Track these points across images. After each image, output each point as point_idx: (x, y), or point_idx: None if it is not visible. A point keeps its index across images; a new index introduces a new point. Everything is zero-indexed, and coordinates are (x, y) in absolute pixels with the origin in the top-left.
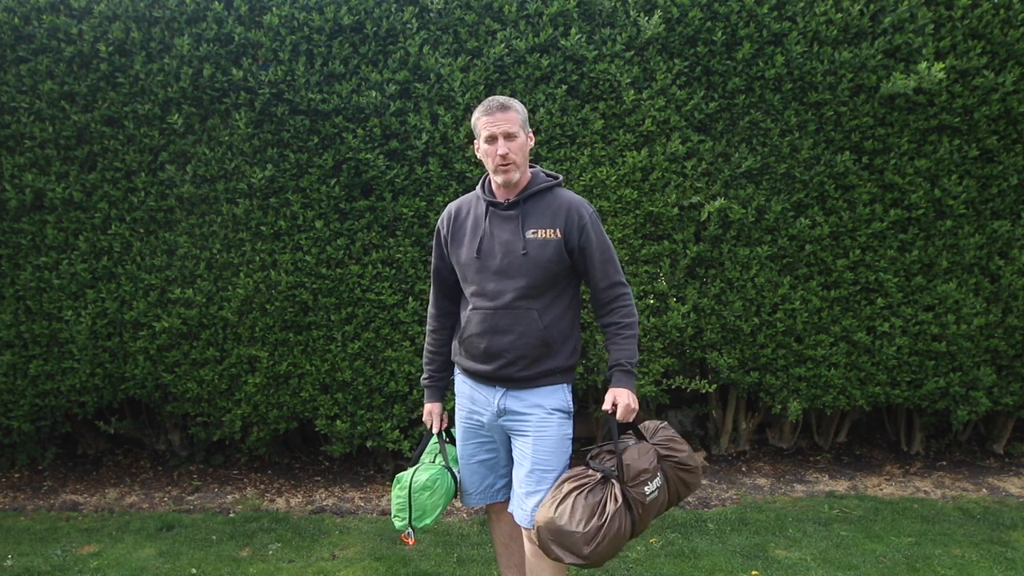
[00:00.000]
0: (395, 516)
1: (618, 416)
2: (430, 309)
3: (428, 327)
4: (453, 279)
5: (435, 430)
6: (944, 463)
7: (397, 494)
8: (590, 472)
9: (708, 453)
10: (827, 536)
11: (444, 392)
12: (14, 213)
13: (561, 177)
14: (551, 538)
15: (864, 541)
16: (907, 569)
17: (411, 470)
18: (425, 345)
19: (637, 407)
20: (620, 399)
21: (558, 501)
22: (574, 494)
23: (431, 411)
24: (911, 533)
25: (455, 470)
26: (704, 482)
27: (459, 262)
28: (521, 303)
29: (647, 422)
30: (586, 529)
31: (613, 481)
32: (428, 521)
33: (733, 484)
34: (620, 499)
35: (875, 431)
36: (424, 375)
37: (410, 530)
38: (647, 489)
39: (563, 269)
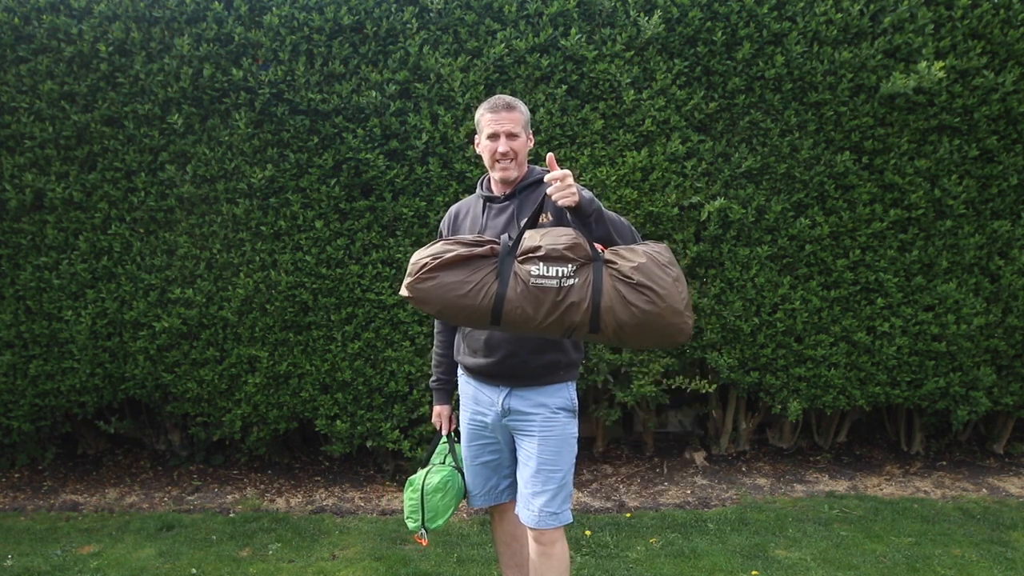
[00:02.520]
0: (408, 517)
1: (554, 174)
2: (438, 321)
3: (436, 328)
4: None
5: (444, 432)
6: (944, 463)
7: (410, 496)
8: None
9: (708, 453)
10: (827, 536)
11: (452, 394)
12: (14, 213)
13: None
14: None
15: (864, 541)
16: (907, 569)
17: (423, 472)
18: (433, 348)
19: (577, 195)
20: (568, 171)
21: (433, 242)
22: (443, 240)
23: (440, 413)
24: (911, 533)
25: (465, 471)
26: (704, 482)
27: None
28: None
29: None
30: (417, 259)
31: (494, 245)
32: (440, 522)
33: (733, 484)
34: (479, 254)
35: (875, 431)
36: (432, 377)
37: (423, 531)
38: (533, 269)
39: None
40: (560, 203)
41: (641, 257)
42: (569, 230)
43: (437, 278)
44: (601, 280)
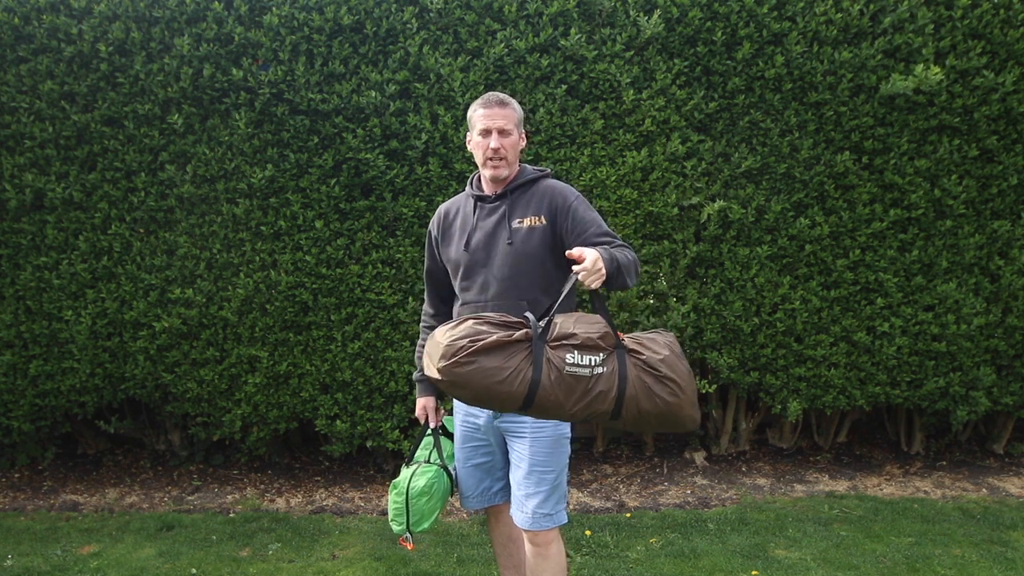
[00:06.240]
0: (393, 520)
1: (584, 265)
2: (426, 308)
3: (422, 325)
4: (445, 280)
5: (431, 425)
6: (944, 463)
7: (394, 499)
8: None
9: (708, 453)
10: (827, 536)
11: (438, 388)
12: (14, 213)
13: (550, 171)
14: (428, 348)
15: (864, 541)
16: (907, 569)
17: (407, 473)
18: (418, 343)
19: (604, 273)
20: (587, 252)
21: (454, 323)
22: (471, 319)
23: (425, 405)
24: (911, 533)
25: (451, 467)
26: (704, 482)
27: (450, 259)
28: (510, 294)
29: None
30: (452, 343)
31: (525, 329)
32: (426, 525)
33: (733, 484)
34: (518, 340)
35: (875, 431)
36: (418, 370)
37: (408, 534)
38: (569, 357)
39: (553, 257)
40: (591, 287)
41: (664, 349)
42: (599, 318)
43: (476, 362)
44: (626, 369)
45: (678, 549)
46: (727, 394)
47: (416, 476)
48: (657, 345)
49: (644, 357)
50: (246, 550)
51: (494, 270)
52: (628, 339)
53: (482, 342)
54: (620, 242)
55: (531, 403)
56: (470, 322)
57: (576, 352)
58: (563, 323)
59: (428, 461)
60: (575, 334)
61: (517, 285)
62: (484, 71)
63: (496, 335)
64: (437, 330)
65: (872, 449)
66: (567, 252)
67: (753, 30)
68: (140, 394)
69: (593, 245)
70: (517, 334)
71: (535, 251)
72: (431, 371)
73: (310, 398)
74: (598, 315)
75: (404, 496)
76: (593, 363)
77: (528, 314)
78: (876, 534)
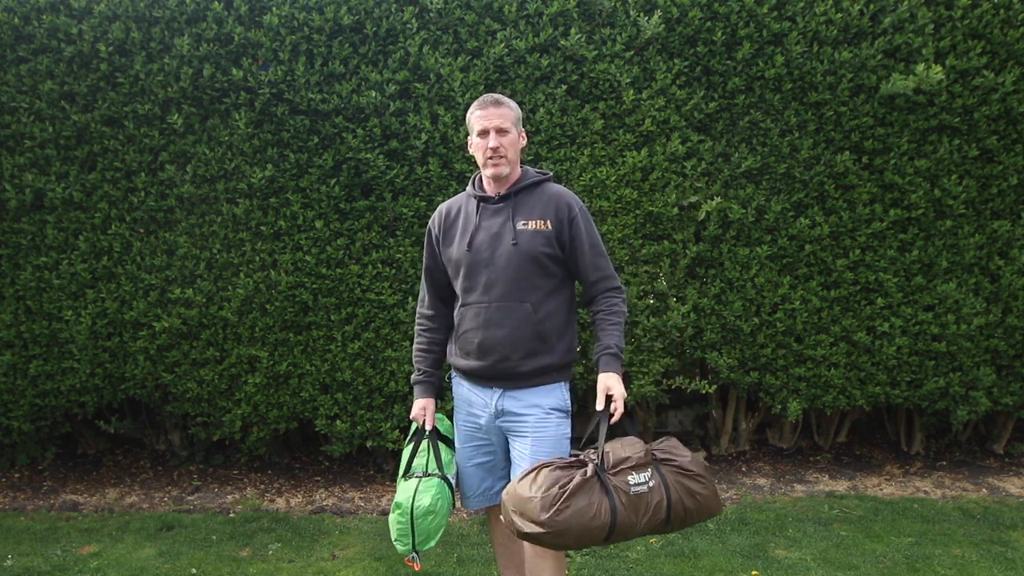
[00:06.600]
0: (397, 540)
1: (615, 404)
2: (423, 310)
3: (419, 327)
4: (445, 280)
5: (428, 427)
6: (944, 463)
7: (398, 519)
8: (568, 457)
9: (708, 453)
10: (827, 536)
11: (438, 390)
12: (14, 213)
13: (551, 174)
14: (511, 507)
15: (864, 541)
16: (907, 569)
17: (409, 490)
18: (415, 345)
19: (625, 394)
20: (614, 389)
21: (525, 474)
22: (544, 468)
23: (425, 407)
24: (911, 533)
25: (450, 476)
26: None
27: (451, 259)
28: (514, 296)
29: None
30: (544, 494)
31: (589, 463)
32: (432, 543)
33: (733, 484)
34: (592, 476)
35: (875, 431)
36: (416, 372)
37: (414, 555)
38: (631, 479)
39: (555, 263)
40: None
41: (686, 451)
42: (633, 439)
43: (571, 505)
44: (665, 477)
45: (678, 549)
46: (727, 394)
47: (420, 494)
48: (680, 448)
49: (678, 463)
50: (246, 550)
51: (498, 271)
52: (656, 449)
53: (571, 485)
54: (612, 274)
55: (613, 530)
56: (544, 471)
57: (634, 472)
58: (613, 451)
59: (427, 473)
60: (629, 457)
61: (520, 287)
62: (484, 71)
63: (576, 476)
64: (514, 489)
65: (872, 449)
66: (599, 390)
67: (753, 30)
68: (140, 394)
69: (591, 284)
70: (588, 470)
71: (539, 253)
72: (528, 527)
73: (310, 398)
74: (630, 437)
75: (408, 516)
76: (647, 479)
77: (579, 452)
78: (876, 534)
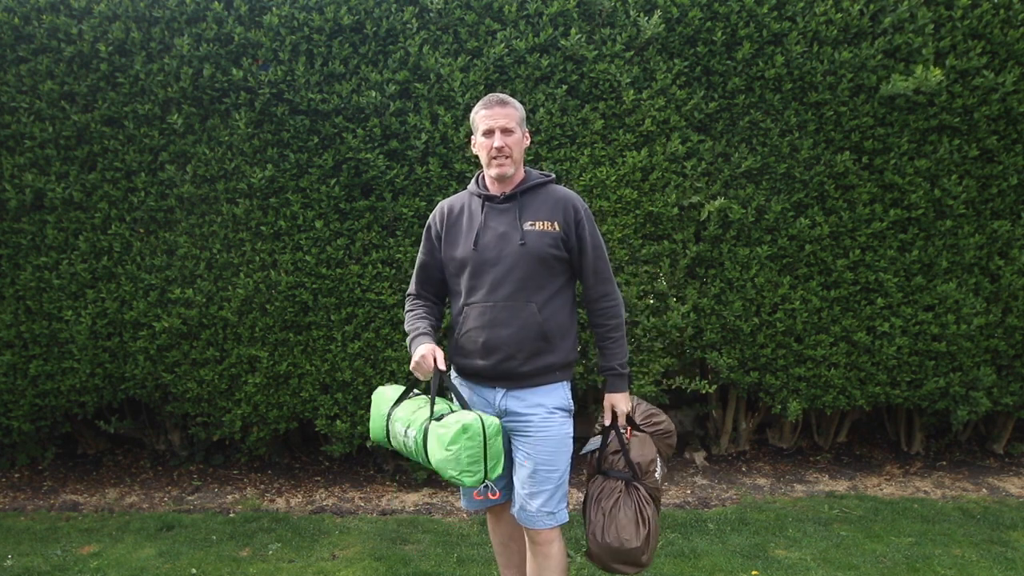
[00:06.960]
0: (464, 472)
1: (619, 423)
2: (412, 297)
3: (409, 304)
4: (440, 276)
5: (440, 366)
6: (944, 463)
7: (467, 445)
8: (612, 482)
9: (708, 453)
10: (827, 536)
11: (437, 339)
12: (14, 213)
13: (554, 175)
14: (611, 559)
15: (864, 541)
16: (907, 569)
17: (468, 416)
18: (408, 314)
19: (630, 407)
20: (619, 407)
21: (603, 524)
22: (615, 512)
23: (433, 350)
24: (911, 533)
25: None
26: (704, 482)
27: (454, 257)
28: (520, 295)
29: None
30: (640, 543)
31: (636, 484)
32: (500, 470)
33: (733, 484)
34: (648, 497)
35: (875, 431)
36: (413, 333)
37: (487, 483)
38: (657, 475)
39: (560, 263)
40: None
41: (661, 413)
42: (644, 437)
43: (653, 537)
44: (658, 448)
45: (678, 549)
46: (727, 394)
47: (485, 416)
48: (657, 416)
49: (662, 428)
50: (246, 550)
51: (505, 270)
52: (646, 431)
53: (652, 525)
54: (610, 278)
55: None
56: (619, 502)
57: (659, 466)
58: (637, 455)
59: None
60: (654, 459)
61: (526, 287)
62: (484, 71)
63: (649, 508)
64: (602, 536)
65: (872, 449)
66: (605, 407)
67: (753, 30)
68: (140, 394)
69: (589, 287)
70: (642, 492)
71: (546, 252)
72: (633, 570)
73: (310, 398)
74: (638, 435)
75: (481, 437)
76: (660, 465)
77: (616, 473)
78: (876, 534)
